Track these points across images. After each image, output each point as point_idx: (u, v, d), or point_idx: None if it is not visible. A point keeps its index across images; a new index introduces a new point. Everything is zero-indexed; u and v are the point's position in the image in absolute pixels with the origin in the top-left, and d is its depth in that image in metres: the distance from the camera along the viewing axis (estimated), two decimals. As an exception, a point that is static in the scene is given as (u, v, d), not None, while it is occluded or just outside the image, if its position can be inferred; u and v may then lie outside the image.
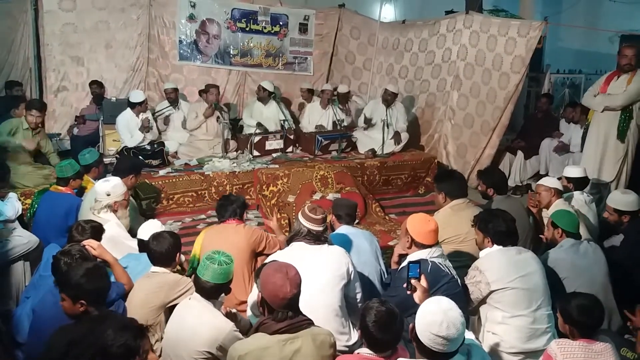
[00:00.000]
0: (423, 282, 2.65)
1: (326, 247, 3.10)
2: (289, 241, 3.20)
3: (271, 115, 6.91)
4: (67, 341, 2.43)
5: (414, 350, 2.28)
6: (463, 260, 3.59)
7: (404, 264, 2.98)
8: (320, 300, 2.92)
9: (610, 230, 4.38)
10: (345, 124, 6.85)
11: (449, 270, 2.93)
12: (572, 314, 2.65)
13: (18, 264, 3.92)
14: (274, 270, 2.43)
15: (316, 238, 3.08)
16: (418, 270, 2.65)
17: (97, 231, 3.38)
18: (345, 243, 3.46)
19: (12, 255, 3.85)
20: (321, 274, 2.97)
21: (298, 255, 2.98)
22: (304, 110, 7.39)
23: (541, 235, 4.23)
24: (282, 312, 2.38)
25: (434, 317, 2.06)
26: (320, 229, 3.09)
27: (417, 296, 2.59)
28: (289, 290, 2.35)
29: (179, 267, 3.41)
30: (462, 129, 6.88)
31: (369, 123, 6.72)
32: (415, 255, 2.92)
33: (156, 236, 3.16)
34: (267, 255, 3.62)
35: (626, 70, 5.09)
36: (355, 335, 3.03)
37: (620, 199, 4.13)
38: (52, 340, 2.47)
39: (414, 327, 2.13)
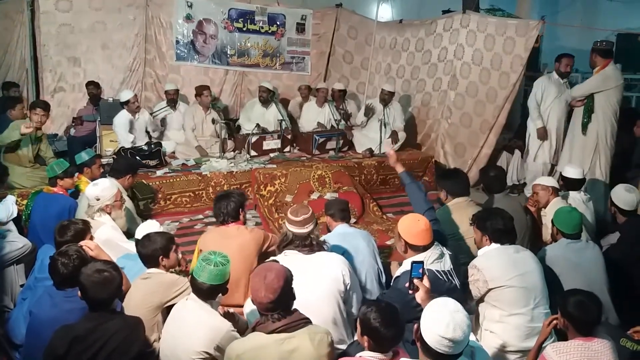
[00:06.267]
0: (426, 282, 2.60)
1: (322, 256, 3.01)
2: (279, 247, 3.12)
3: (272, 116, 6.91)
4: (70, 338, 2.44)
5: (413, 352, 2.28)
6: (461, 258, 3.58)
7: (401, 269, 2.95)
8: (316, 312, 2.81)
9: (607, 228, 4.39)
10: (342, 123, 6.84)
11: (446, 277, 2.87)
12: (569, 309, 2.65)
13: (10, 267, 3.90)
14: (255, 273, 2.41)
15: (304, 243, 2.99)
16: (420, 270, 2.60)
17: (81, 232, 3.32)
18: (343, 243, 3.45)
19: (6, 261, 3.82)
20: (315, 286, 2.90)
21: (292, 265, 2.85)
22: (302, 110, 7.38)
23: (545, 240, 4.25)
24: (265, 315, 2.37)
25: (441, 319, 2.03)
26: (304, 231, 2.99)
27: (419, 296, 2.55)
28: (263, 296, 2.32)
29: (177, 267, 3.39)
30: (459, 128, 6.89)
31: (369, 114, 6.71)
32: (410, 260, 2.83)
33: (143, 238, 3.16)
34: (269, 253, 3.61)
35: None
36: (350, 338, 2.99)
37: (627, 197, 4.12)
38: (55, 337, 2.48)
39: (418, 327, 2.11)
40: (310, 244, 3.02)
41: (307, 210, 3.05)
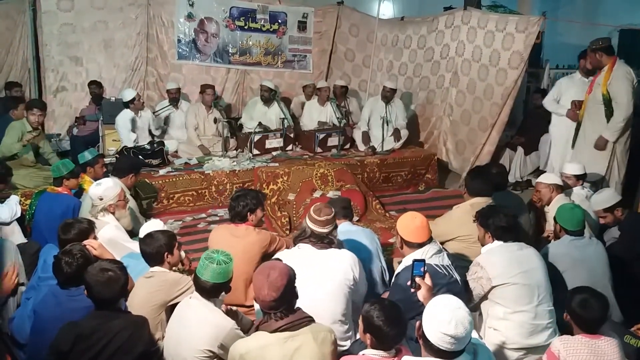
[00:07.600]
0: (427, 280, 2.62)
1: (333, 252, 3.03)
2: (295, 240, 3.17)
3: (274, 115, 6.90)
4: (74, 335, 2.45)
5: (416, 349, 2.28)
6: (471, 261, 3.53)
7: (402, 265, 2.96)
8: (323, 307, 2.83)
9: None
10: (344, 121, 6.85)
11: (446, 270, 2.89)
12: (573, 307, 2.66)
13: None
14: (258, 271, 2.43)
15: (320, 240, 3.02)
16: (422, 268, 2.62)
17: (85, 231, 3.34)
18: (346, 241, 3.44)
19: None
20: (326, 280, 2.91)
21: (304, 258, 2.94)
22: (303, 108, 7.38)
23: (544, 236, 4.23)
24: (267, 313, 2.38)
25: (443, 316, 2.04)
26: (324, 231, 3.02)
27: (421, 294, 2.57)
28: (266, 294, 2.33)
29: (180, 266, 3.40)
30: (460, 126, 6.87)
31: (367, 140, 6.72)
32: (410, 256, 2.88)
33: (145, 237, 3.16)
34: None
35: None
36: (356, 334, 2.99)
37: (601, 198, 4.15)
38: (60, 333, 2.49)
39: (421, 325, 2.12)
40: (326, 239, 3.04)
41: (330, 211, 3.06)
